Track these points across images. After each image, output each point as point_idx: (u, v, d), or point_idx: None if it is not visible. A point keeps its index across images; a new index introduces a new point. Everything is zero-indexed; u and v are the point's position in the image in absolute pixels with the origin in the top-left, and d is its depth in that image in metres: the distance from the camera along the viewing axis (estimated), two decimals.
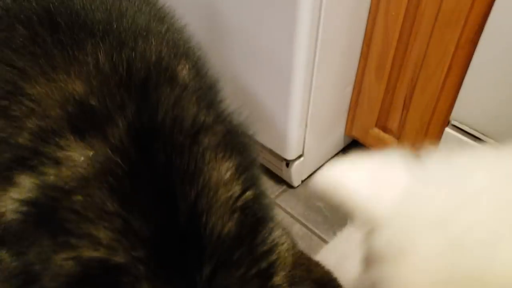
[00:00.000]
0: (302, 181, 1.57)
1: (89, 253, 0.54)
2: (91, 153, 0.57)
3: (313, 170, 1.58)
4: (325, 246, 0.88)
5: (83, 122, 0.60)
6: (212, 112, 0.66)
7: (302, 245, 1.42)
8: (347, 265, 0.77)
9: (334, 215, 1.48)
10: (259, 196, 0.62)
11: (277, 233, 0.62)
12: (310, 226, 1.46)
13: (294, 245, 0.66)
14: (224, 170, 0.59)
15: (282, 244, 0.62)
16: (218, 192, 0.57)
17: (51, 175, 0.57)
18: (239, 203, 0.58)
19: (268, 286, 0.58)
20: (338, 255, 0.83)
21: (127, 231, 0.53)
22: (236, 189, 0.59)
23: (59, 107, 0.61)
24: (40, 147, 0.59)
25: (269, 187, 1.57)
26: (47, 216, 0.56)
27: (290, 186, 1.57)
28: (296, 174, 1.53)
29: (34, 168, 0.58)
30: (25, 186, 0.58)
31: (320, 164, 1.59)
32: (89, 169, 0.56)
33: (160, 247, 0.53)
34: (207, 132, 0.61)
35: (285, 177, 1.55)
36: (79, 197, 0.55)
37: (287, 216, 1.49)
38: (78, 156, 0.57)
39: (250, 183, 0.61)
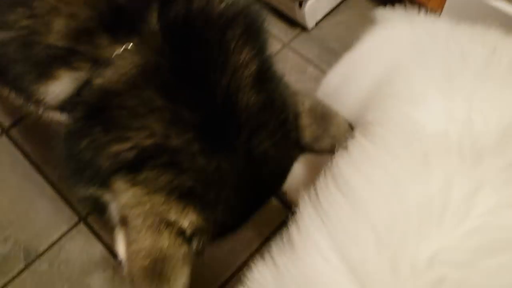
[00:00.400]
0: (317, 23, 1.53)
1: (145, 141, 0.62)
2: (130, 53, 0.62)
3: (328, 10, 1.52)
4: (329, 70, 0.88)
5: (115, 21, 0.63)
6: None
7: (317, 87, 1.43)
8: (349, 88, 0.77)
9: None
10: (271, 68, 0.72)
11: (288, 89, 0.74)
12: (324, 67, 1.45)
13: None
14: (245, 54, 0.67)
15: (292, 96, 0.74)
16: (242, 73, 0.66)
17: (96, 76, 0.62)
18: (257, 76, 0.68)
19: (286, 130, 0.71)
20: (340, 78, 0.83)
21: (177, 119, 0.62)
22: (254, 67, 0.68)
23: (86, 6, 0.62)
24: (75, 47, 0.63)
25: (283, 30, 1.53)
26: (97, 115, 0.63)
27: (304, 29, 1.53)
28: (310, 15, 1.48)
29: (72, 65, 0.63)
30: (64, 80, 0.64)
31: (335, 4, 1.53)
32: (133, 70, 0.62)
33: (206, 126, 0.63)
34: (231, 25, 0.68)
35: (299, 19, 1.51)
36: (128, 97, 0.62)
37: (301, 59, 1.48)
38: (118, 56, 0.62)
39: (264, 60, 0.70)
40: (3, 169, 1.34)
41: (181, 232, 0.64)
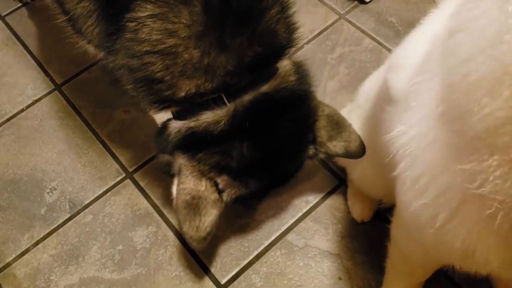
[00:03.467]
0: None
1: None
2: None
3: None
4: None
5: None
6: None
7: (372, 58, 1.38)
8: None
9: (406, 30, 1.41)
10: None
11: (315, 99, 0.96)
12: (381, 40, 1.41)
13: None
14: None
15: (317, 104, 0.96)
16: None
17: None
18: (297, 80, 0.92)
19: (305, 126, 0.94)
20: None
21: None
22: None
23: None
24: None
25: (340, 2, 1.50)
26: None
27: (362, 1, 1.49)
28: None
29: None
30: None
31: None
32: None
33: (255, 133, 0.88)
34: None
35: None
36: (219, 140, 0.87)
37: (357, 31, 1.44)
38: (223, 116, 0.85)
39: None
40: (53, 123, 1.36)
41: (215, 185, 0.90)
